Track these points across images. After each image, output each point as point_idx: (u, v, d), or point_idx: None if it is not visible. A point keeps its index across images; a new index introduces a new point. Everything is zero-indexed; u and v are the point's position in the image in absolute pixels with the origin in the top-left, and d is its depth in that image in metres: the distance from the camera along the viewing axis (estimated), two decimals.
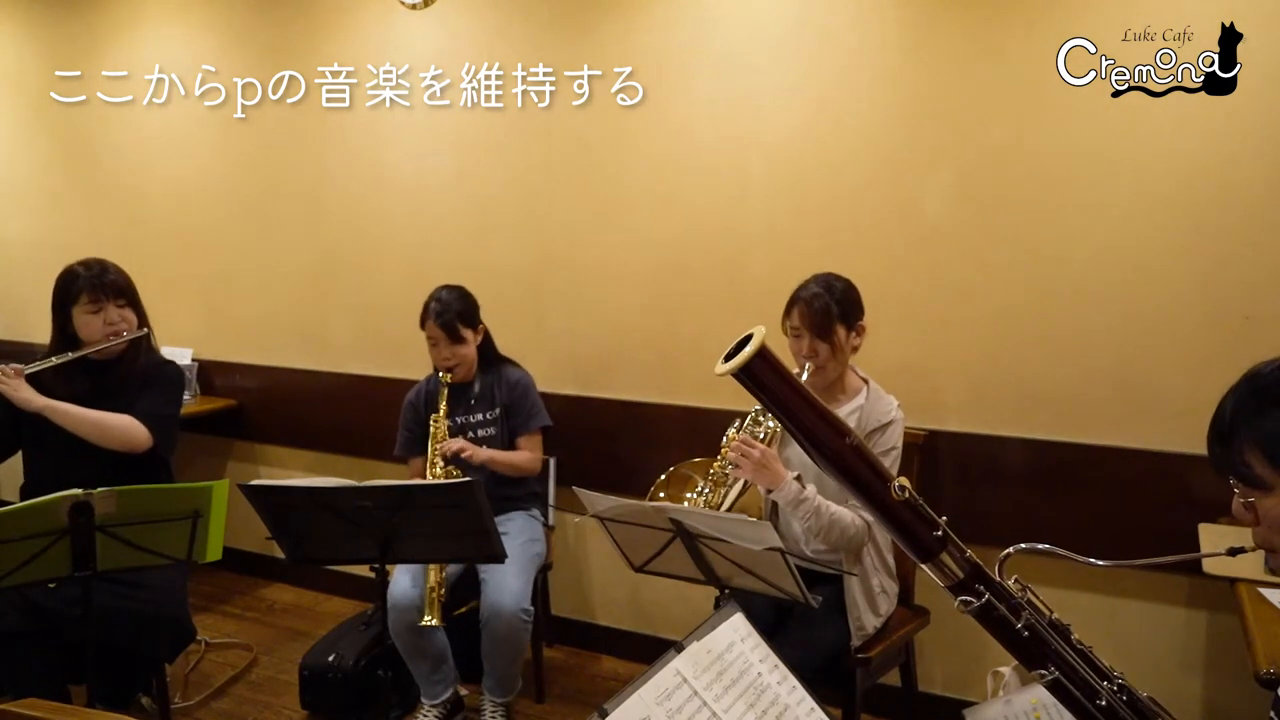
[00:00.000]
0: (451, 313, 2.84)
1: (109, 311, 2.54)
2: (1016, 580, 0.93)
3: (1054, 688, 0.93)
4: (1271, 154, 2.36)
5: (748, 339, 0.85)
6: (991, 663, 2.74)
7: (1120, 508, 2.52)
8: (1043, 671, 0.92)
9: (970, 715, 1.39)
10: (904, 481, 0.89)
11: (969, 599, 0.90)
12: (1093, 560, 0.99)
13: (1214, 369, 2.45)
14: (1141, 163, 2.48)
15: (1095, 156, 2.52)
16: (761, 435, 2.29)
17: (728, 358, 0.86)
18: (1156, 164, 2.46)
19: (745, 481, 2.26)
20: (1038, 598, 0.93)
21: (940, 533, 0.90)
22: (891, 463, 2.27)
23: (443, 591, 2.61)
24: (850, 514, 2.23)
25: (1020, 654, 0.93)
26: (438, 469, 2.75)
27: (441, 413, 2.81)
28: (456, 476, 2.74)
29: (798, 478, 2.22)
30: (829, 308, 2.29)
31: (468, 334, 2.86)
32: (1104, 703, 0.92)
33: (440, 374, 2.86)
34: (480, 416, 2.92)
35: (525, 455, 2.91)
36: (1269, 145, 2.36)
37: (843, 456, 0.90)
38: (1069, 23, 2.48)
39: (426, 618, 2.57)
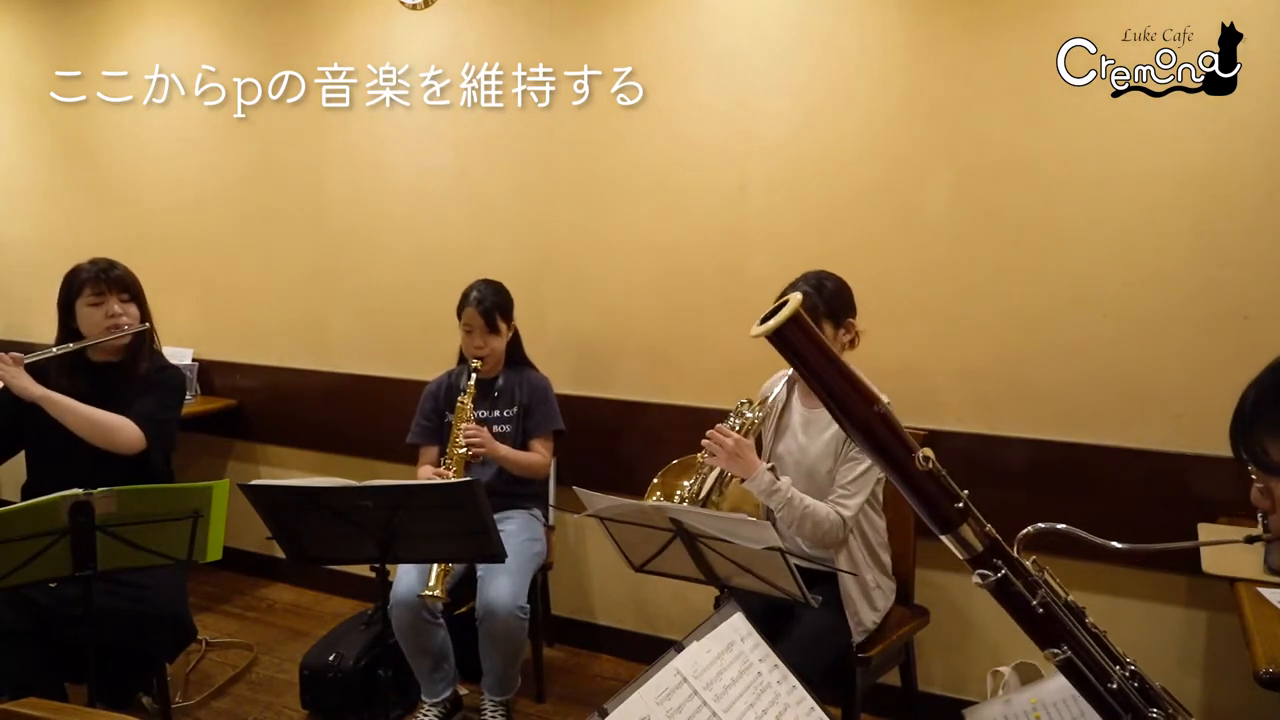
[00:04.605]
0: (492, 303, 2.88)
1: (111, 304, 2.54)
2: (1034, 561, 0.93)
3: (1066, 668, 0.93)
4: (1271, 154, 2.36)
5: (783, 305, 0.86)
6: (991, 662, 2.74)
7: (1120, 508, 2.52)
8: (1055, 650, 0.92)
9: (970, 715, 1.39)
10: (928, 452, 0.90)
11: (986, 573, 0.91)
12: (1112, 543, 0.99)
13: (1214, 369, 2.45)
14: (1141, 163, 2.48)
15: (1095, 156, 2.52)
16: (737, 426, 2.33)
17: (763, 322, 0.87)
18: (1156, 164, 2.46)
19: (722, 470, 2.30)
20: (1054, 579, 0.93)
21: (961, 505, 0.90)
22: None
23: (450, 567, 2.64)
24: (826, 508, 2.26)
25: (1034, 631, 0.93)
26: (459, 450, 2.76)
27: (469, 397, 2.84)
28: (472, 462, 2.78)
29: (771, 468, 2.27)
30: (815, 306, 2.31)
31: (502, 327, 2.91)
32: (1115, 686, 0.92)
33: (471, 363, 2.89)
34: (499, 413, 2.94)
35: (538, 457, 2.93)
36: (1269, 145, 2.36)
37: (870, 424, 0.91)
38: (1069, 23, 2.48)
39: (430, 585, 2.58)
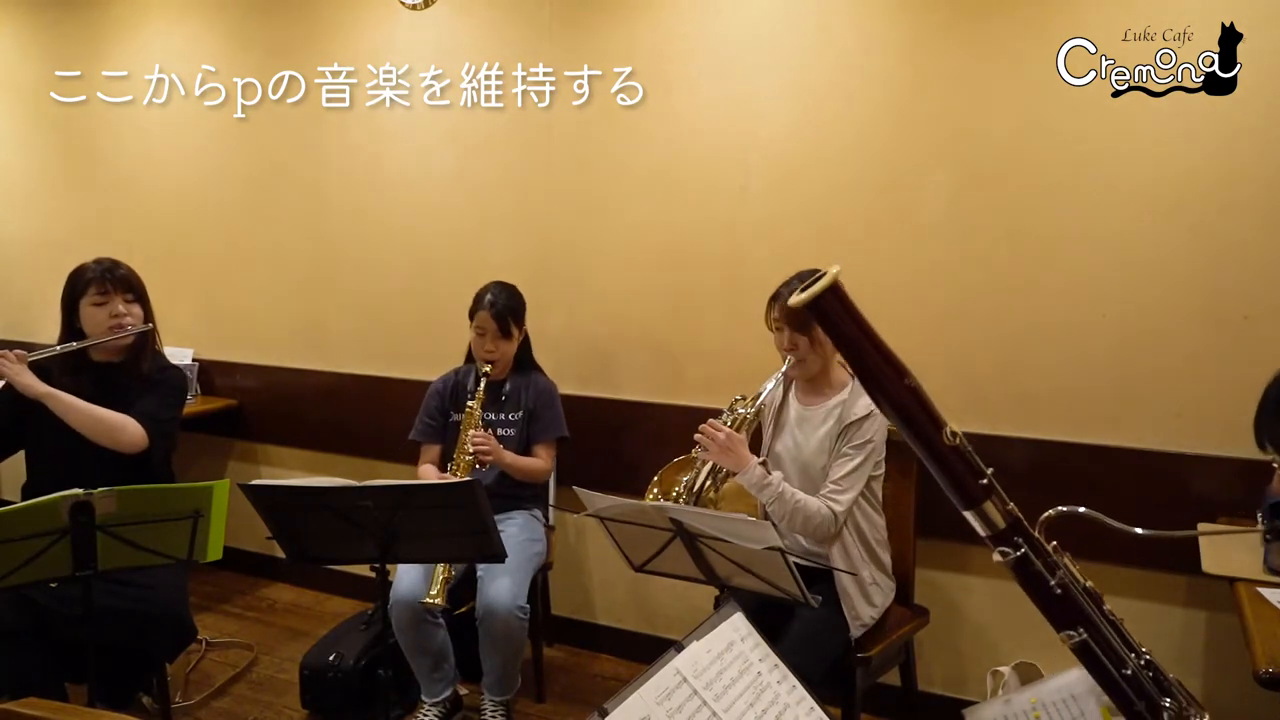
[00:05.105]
0: (505, 307, 2.87)
1: (115, 304, 2.54)
2: (1055, 546, 0.94)
3: (1081, 651, 0.93)
4: (1271, 154, 2.36)
5: (821, 275, 0.89)
6: (991, 662, 2.74)
7: (1120, 508, 2.51)
8: (1071, 633, 0.93)
9: (969, 715, 1.39)
10: (956, 429, 0.91)
11: (1007, 550, 0.92)
12: (1135, 529, 1.01)
13: (1214, 369, 2.45)
14: (1141, 162, 2.48)
15: (1095, 156, 2.52)
16: (729, 421, 2.36)
17: (803, 292, 0.89)
18: (1156, 164, 2.46)
19: (714, 463, 2.34)
20: (1074, 565, 0.94)
21: (986, 481, 0.91)
22: (867, 456, 2.30)
23: (451, 573, 2.63)
24: (818, 503, 2.28)
25: (1051, 612, 0.93)
26: (466, 456, 2.76)
27: (478, 401, 2.83)
28: (479, 468, 2.78)
29: (763, 463, 2.31)
30: None
31: (514, 331, 2.90)
32: (1130, 672, 0.92)
33: (481, 366, 2.88)
34: (505, 416, 2.94)
35: (540, 463, 2.93)
36: (1269, 145, 2.36)
37: (900, 397, 0.92)
38: (1069, 23, 2.48)
39: (431, 593, 2.59)
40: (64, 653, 2.38)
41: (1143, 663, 0.93)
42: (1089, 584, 0.94)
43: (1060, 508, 0.98)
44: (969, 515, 0.92)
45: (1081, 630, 0.92)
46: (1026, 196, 2.61)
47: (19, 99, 4.28)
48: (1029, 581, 0.93)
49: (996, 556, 0.92)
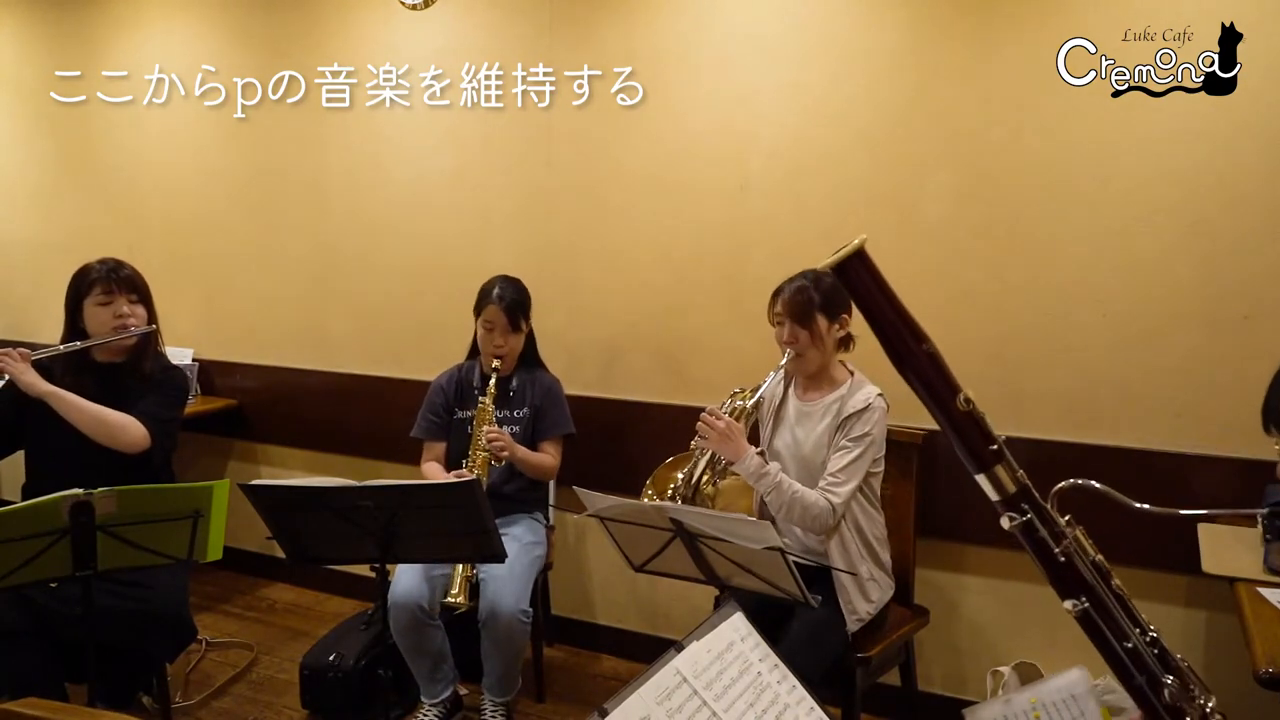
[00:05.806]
0: (514, 300, 2.86)
1: (119, 304, 2.54)
2: (1069, 520, 0.96)
3: (1083, 620, 0.94)
4: (1271, 154, 2.36)
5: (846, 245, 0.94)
6: (991, 662, 2.74)
7: (1117, 507, 2.52)
8: (1074, 601, 0.94)
9: (969, 715, 1.40)
10: (970, 395, 0.94)
11: (1014, 515, 0.93)
12: (1144, 505, 1.03)
13: (1214, 369, 2.45)
14: (1141, 162, 2.48)
15: (1095, 156, 2.52)
16: (729, 410, 2.38)
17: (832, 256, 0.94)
18: (1156, 164, 2.46)
19: (713, 453, 2.36)
20: (1085, 538, 0.96)
21: (996, 447, 0.94)
22: (865, 449, 2.30)
23: (473, 572, 2.63)
24: (815, 495, 2.29)
25: (1055, 580, 0.95)
26: (482, 452, 2.75)
27: (490, 397, 2.81)
28: (495, 465, 2.78)
29: (761, 453, 2.34)
30: (810, 297, 2.36)
31: (523, 325, 2.89)
32: (1131, 645, 0.93)
33: (490, 362, 2.86)
34: (511, 413, 2.93)
35: (549, 460, 2.92)
36: (1269, 145, 2.36)
37: (917, 361, 0.96)
38: (1069, 23, 2.48)
39: (453, 592, 2.59)
40: (64, 653, 2.38)
41: (1148, 639, 0.94)
42: (1098, 557, 0.95)
43: (1075, 480, 1.00)
44: (981, 479, 0.94)
45: (1084, 599, 0.93)
46: (1026, 196, 2.61)
47: (19, 99, 4.28)
48: (1035, 548, 0.95)
49: (1005, 521, 0.94)
